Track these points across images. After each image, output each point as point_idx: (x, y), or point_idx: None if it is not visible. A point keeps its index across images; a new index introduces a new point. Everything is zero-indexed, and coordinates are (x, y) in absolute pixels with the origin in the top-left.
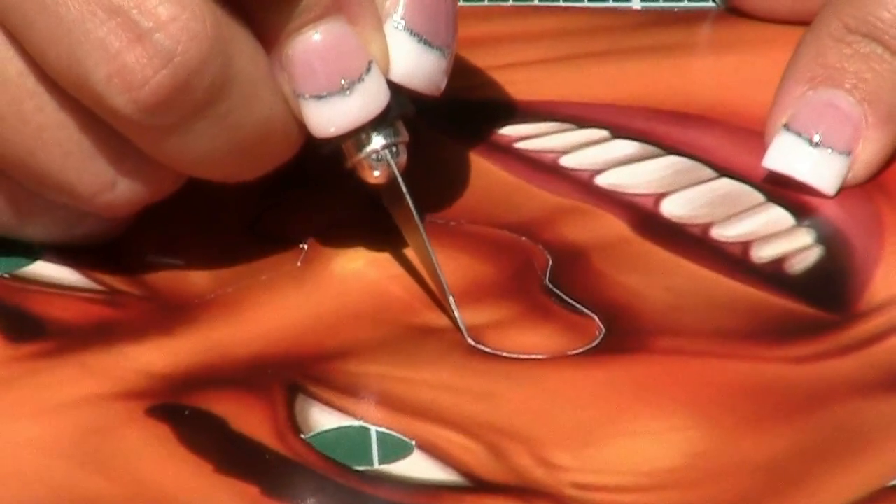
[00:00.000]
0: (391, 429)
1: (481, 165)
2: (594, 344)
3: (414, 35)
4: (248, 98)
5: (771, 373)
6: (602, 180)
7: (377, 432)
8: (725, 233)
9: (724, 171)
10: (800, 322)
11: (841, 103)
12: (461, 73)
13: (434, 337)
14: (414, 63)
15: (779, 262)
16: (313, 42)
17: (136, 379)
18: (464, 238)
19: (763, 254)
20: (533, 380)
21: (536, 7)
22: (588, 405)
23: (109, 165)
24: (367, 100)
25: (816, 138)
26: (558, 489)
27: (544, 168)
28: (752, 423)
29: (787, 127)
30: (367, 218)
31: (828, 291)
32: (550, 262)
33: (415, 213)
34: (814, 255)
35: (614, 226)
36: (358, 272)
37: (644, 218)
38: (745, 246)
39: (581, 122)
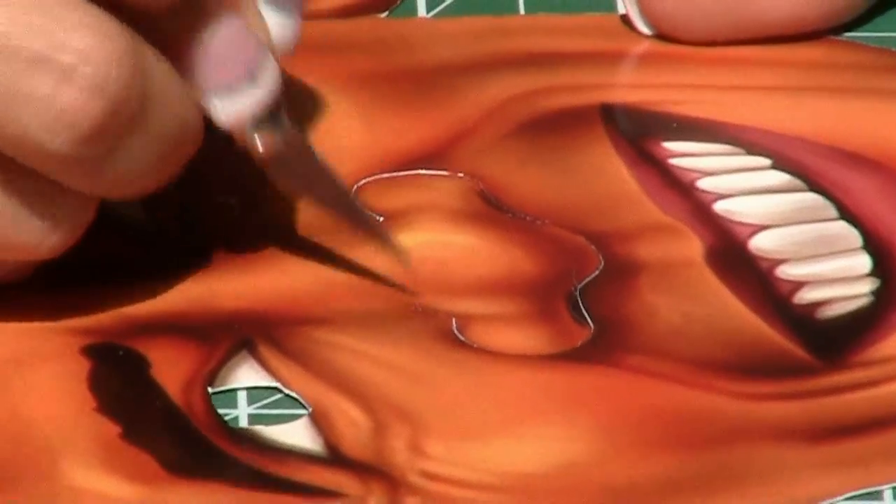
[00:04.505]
0: (301, 394)
1: (619, 173)
2: (566, 350)
3: (278, 5)
4: (166, 104)
5: (709, 403)
6: (720, 205)
7: (284, 395)
8: (791, 271)
9: (847, 215)
10: (782, 363)
11: None
12: (672, 87)
13: (420, 319)
14: (283, 32)
15: (816, 306)
16: (215, 39)
17: (104, 317)
18: (533, 235)
19: (809, 296)
20: (478, 372)
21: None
22: (507, 403)
23: (47, 215)
24: (269, 81)
25: None
26: (403, 474)
27: (677, 186)
28: (645, 446)
29: None
30: (463, 203)
31: (831, 338)
32: (597, 272)
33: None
34: (856, 304)
35: (689, 249)
36: (406, 249)
37: (726, 247)
38: (798, 286)
39: (751, 149)
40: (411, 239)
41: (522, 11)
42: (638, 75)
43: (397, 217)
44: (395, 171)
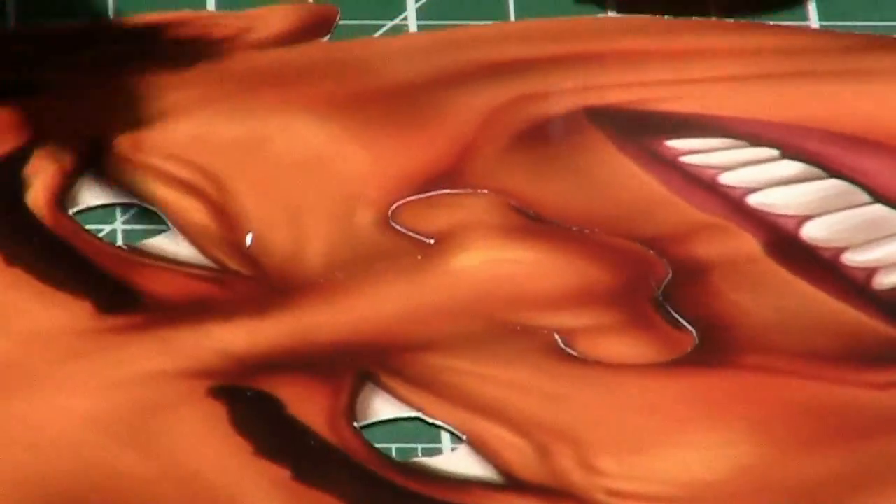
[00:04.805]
0: (447, 422)
1: (638, 176)
2: (680, 356)
3: None
4: None
5: (846, 395)
6: (753, 199)
7: (431, 425)
8: (857, 258)
9: (880, 197)
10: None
11: None
12: (649, 84)
13: (525, 336)
14: None
15: None
16: None
17: (211, 358)
18: (590, 245)
19: (886, 280)
20: (607, 385)
21: (757, 25)
22: (651, 414)
23: None
24: None
25: None
26: (589, 494)
27: (700, 183)
28: (808, 443)
29: None
30: (504, 218)
31: None
32: (669, 276)
33: None
34: None
35: (747, 245)
36: (473, 268)
37: (780, 239)
38: (871, 272)
39: (754, 141)
40: (474, 258)
41: (513, 11)
42: (616, 75)
43: (447, 238)
44: (417, 194)
